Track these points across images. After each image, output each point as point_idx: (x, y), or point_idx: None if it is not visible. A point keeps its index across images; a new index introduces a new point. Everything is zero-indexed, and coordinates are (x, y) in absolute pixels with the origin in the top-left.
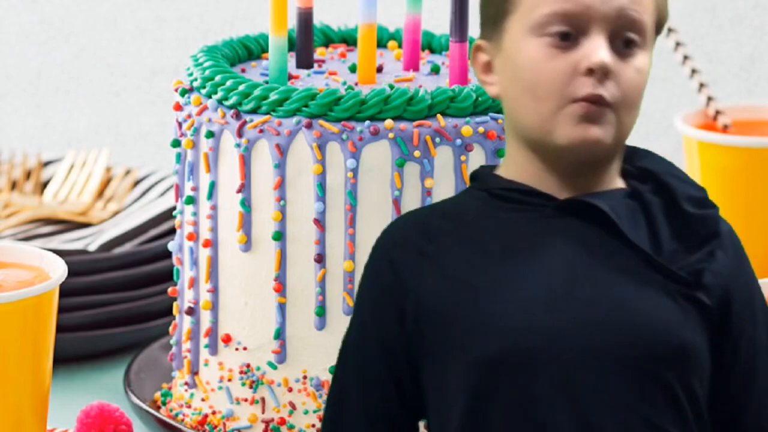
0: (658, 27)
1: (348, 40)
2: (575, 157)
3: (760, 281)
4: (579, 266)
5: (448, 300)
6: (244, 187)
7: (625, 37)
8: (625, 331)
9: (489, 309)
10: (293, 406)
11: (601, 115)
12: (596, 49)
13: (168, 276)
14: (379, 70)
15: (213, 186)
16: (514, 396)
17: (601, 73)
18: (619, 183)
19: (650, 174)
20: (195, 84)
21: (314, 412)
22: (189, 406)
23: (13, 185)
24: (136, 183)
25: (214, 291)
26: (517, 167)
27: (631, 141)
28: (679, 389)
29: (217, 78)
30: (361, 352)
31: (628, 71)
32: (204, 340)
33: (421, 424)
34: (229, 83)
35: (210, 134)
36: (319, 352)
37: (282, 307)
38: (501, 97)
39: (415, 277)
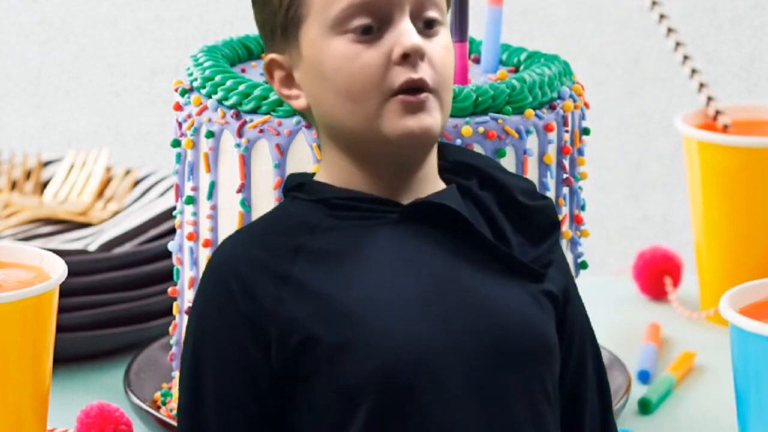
0: (448, 1)
1: None
2: (406, 151)
3: (760, 282)
4: (442, 270)
5: (320, 322)
6: (244, 187)
7: (425, 18)
8: (500, 331)
9: (367, 326)
10: None
11: (424, 102)
12: (405, 33)
13: (168, 276)
14: None
15: (213, 186)
16: (411, 410)
17: (416, 57)
18: (441, 182)
19: (472, 168)
20: (195, 84)
21: None
22: None
23: (13, 185)
24: (136, 183)
25: None
26: (343, 175)
27: (632, 141)
28: (549, 384)
29: (217, 78)
30: (222, 389)
31: (438, 50)
32: None
33: None
34: (229, 83)
35: (210, 134)
36: None
37: None
38: (311, 107)
39: (278, 303)
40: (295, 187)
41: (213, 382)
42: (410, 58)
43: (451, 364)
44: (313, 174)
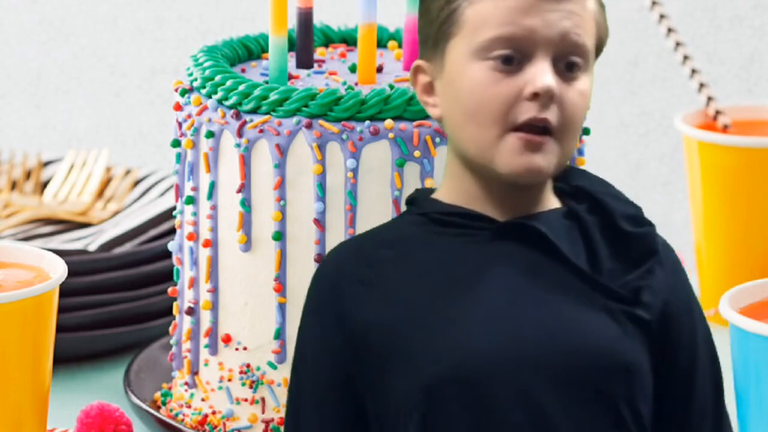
0: (599, 48)
1: (348, 40)
2: (515, 184)
3: (760, 282)
4: (520, 288)
5: (391, 327)
6: (244, 187)
7: (568, 61)
8: (568, 349)
9: (433, 335)
10: None
11: (542, 144)
12: (541, 73)
13: (168, 276)
14: (379, 70)
15: (213, 186)
16: (463, 419)
17: (546, 98)
18: (555, 202)
19: (585, 193)
20: (195, 84)
21: None
22: (189, 406)
23: (13, 185)
24: (136, 183)
25: (214, 291)
26: (455, 189)
27: (632, 141)
28: (625, 407)
29: (217, 78)
30: (315, 381)
31: (572, 94)
32: (204, 340)
33: None
34: (229, 83)
35: (210, 134)
36: None
37: (282, 307)
38: (443, 118)
39: (356, 305)
40: (410, 200)
41: (309, 378)
42: (540, 97)
43: (507, 379)
44: (434, 190)
